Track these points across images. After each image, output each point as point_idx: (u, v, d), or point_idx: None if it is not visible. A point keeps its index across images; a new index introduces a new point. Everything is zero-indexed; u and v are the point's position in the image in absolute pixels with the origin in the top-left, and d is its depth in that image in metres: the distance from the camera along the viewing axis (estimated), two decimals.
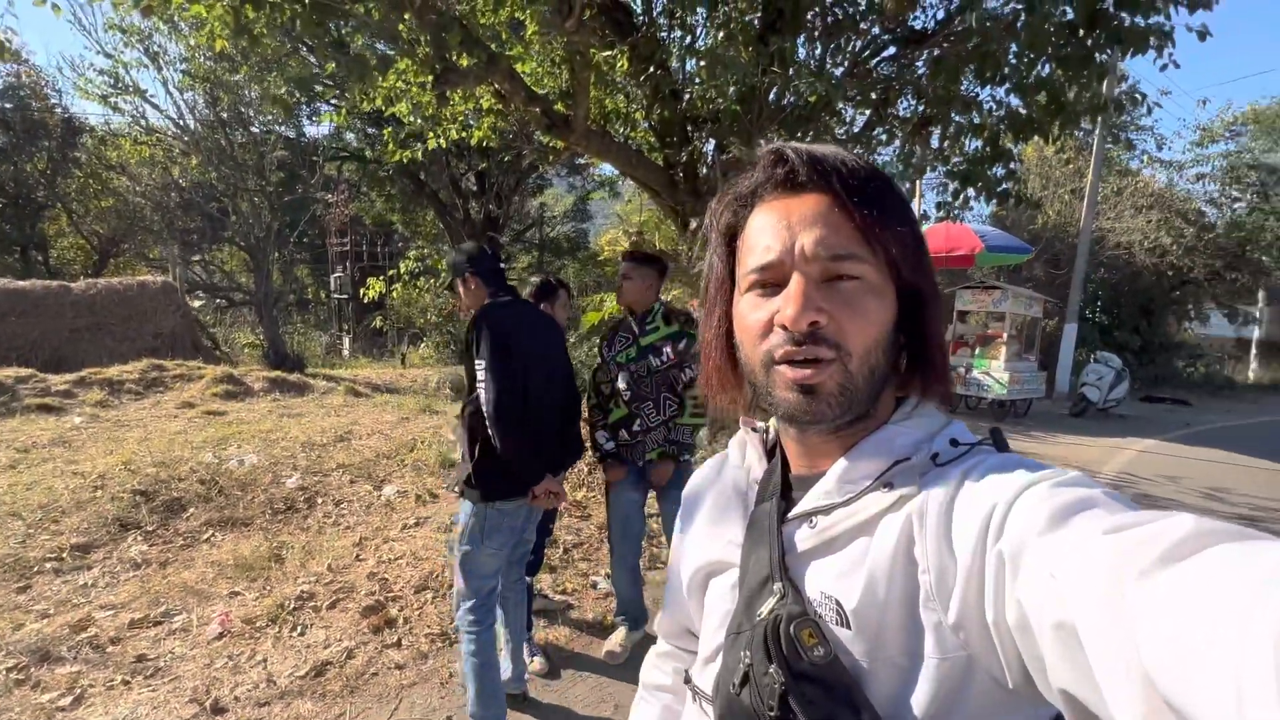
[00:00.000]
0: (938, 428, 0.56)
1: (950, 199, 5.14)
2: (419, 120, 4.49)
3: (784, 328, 0.53)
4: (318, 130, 13.77)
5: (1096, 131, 10.51)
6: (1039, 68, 3.65)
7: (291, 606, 3.07)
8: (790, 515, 0.58)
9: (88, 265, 15.58)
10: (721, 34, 4.11)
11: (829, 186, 0.54)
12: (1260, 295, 18.41)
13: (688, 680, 0.66)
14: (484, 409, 2.06)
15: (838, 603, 0.51)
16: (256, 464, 4.98)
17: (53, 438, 5.47)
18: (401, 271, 15.22)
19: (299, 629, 2.91)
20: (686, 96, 4.52)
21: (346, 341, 18.28)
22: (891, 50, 4.48)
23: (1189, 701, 0.30)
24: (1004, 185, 4.43)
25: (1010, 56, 3.40)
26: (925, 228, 8.65)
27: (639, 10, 4.65)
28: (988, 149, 4.31)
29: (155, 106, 10.90)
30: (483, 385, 2.06)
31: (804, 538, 0.56)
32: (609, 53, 4.04)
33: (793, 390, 0.53)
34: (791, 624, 0.50)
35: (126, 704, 2.37)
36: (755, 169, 0.59)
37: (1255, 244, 15.37)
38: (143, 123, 11.30)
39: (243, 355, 12.71)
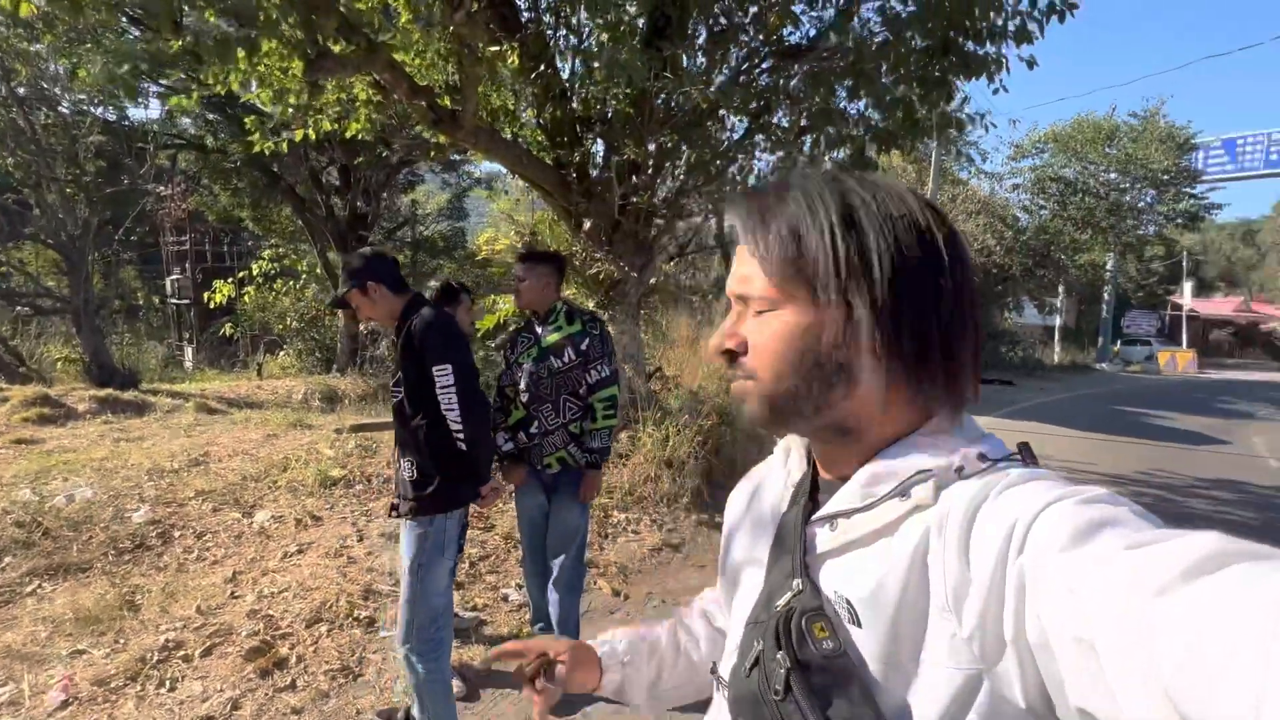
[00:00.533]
0: (967, 442, 0.55)
1: None
2: (285, 109, 4.10)
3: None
4: (143, 113, 12.10)
5: (935, 146, 11.80)
6: (899, 88, 4.03)
7: (155, 659, 2.69)
8: (814, 517, 0.60)
9: None
10: (607, 36, 4.13)
11: (742, 239, 0.61)
12: (1060, 288, 21.61)
13: (713, 670, 0.69)
14: (451, 413, 1.99)
15: (849, 602, 0.53)
16: (91, 498, 4.31)
17: None
18: (255, 273, 13.86)
19: (168, 684, 2.55)
20: (576, 98, 4.50)
21: (188, 352, 16.34)
22: (769, 63, 4.74)
23: (1207, 717, 0.30)
24: None
25: (879, 75, 3.72)
26: None
27: (525, 7, 4.55)
28: (854, 158, 4.69)
29: None
30: (448, 389, 1.98)
31: (824, 539, 0.58)
32: (497, 49, 3.92)
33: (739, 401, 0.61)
34: (804, 617, 0.53)
35: None
36: None
37: (1056, 245, 18.08)
38: None
39: (58, 372, 10.92)
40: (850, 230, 0.55)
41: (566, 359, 2.53)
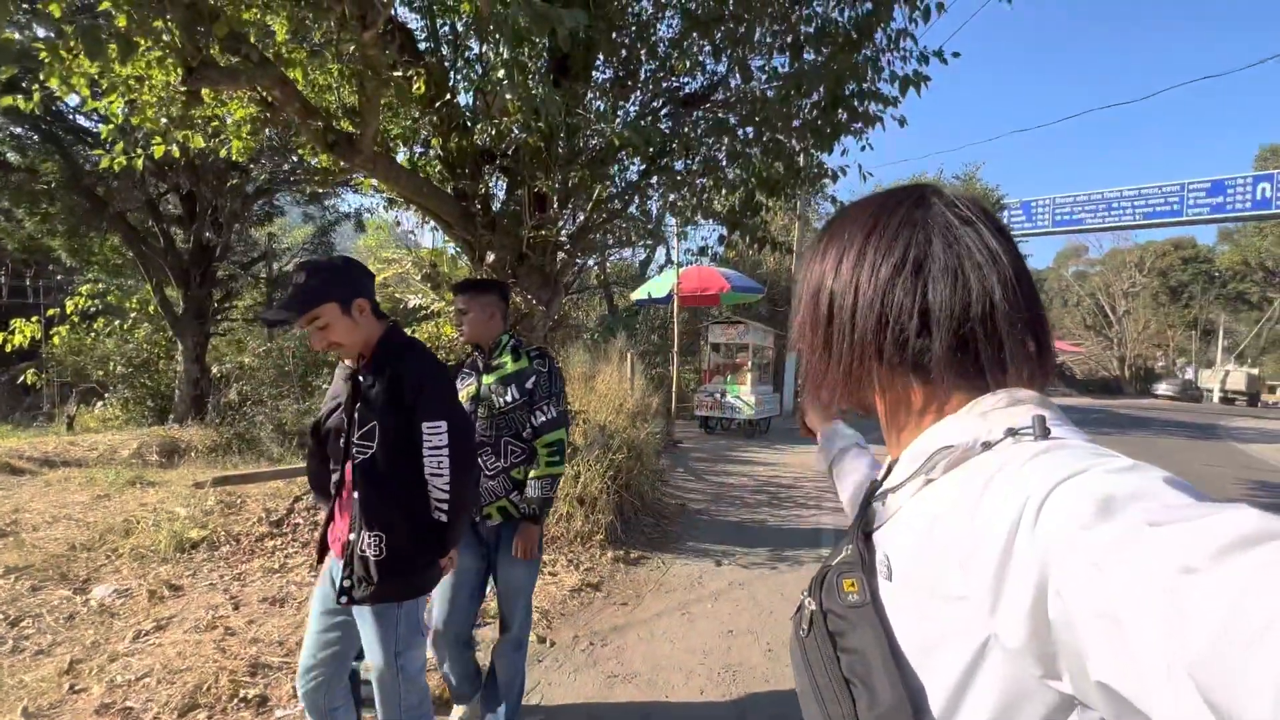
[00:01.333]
0: (1010, 418, 0.56)
1: (718, 243, 5.85)
2: (145, 120, 3.63)
3: None
4: None
5: (808, 197, 12.97)
6: (789, 139, 4.39)
7: None
8: (873, 495, 0.67)
9: None
10: (502, 73, 4.13)
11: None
12: None
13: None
14: (439, 478, 1.71)
15: (888, 559, 0.58)
16: None
17: None
18: (70, 310, 11.96)
19: None
20: (479, 131, 4.43)
21: None
22: (667, 109, 4.97)
23: (1228, 699, 0.30)
24: (761, 232, 5.19)
25: (779, 123, 4.03)
26: (681, 270, 9.65)
27: (423, 37, 4.45)
28: (745, 203, 5.02)
29: None
30: (439, 450, 1.71)
31: (877, 513, 0.64)
32: (399, 74, 3.78)
33: None
34: (838, 573, 0.61)
35: None
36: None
37: None
38: None
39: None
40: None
41: (511, 398, 2.28)
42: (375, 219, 14.82)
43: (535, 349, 2.39)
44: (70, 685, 2.68)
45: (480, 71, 4.52)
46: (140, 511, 4.82)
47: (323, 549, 1.87)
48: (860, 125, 3.88)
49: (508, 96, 3.65)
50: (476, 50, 4.50)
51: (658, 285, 10.58)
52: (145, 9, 2.52)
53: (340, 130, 3.68)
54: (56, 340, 11.91)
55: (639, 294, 11.32)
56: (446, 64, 4.53)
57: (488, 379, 2.34)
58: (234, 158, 4.14)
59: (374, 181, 4.95)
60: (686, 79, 4.57)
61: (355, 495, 1.71)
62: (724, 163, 4.60)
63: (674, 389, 9.49)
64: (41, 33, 2.79)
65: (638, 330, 14.05)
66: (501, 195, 4.94)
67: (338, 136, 3.64)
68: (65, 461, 7.59)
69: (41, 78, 3.05)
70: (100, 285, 13.17)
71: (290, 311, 1.64)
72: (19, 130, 10.76)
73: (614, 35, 4.18)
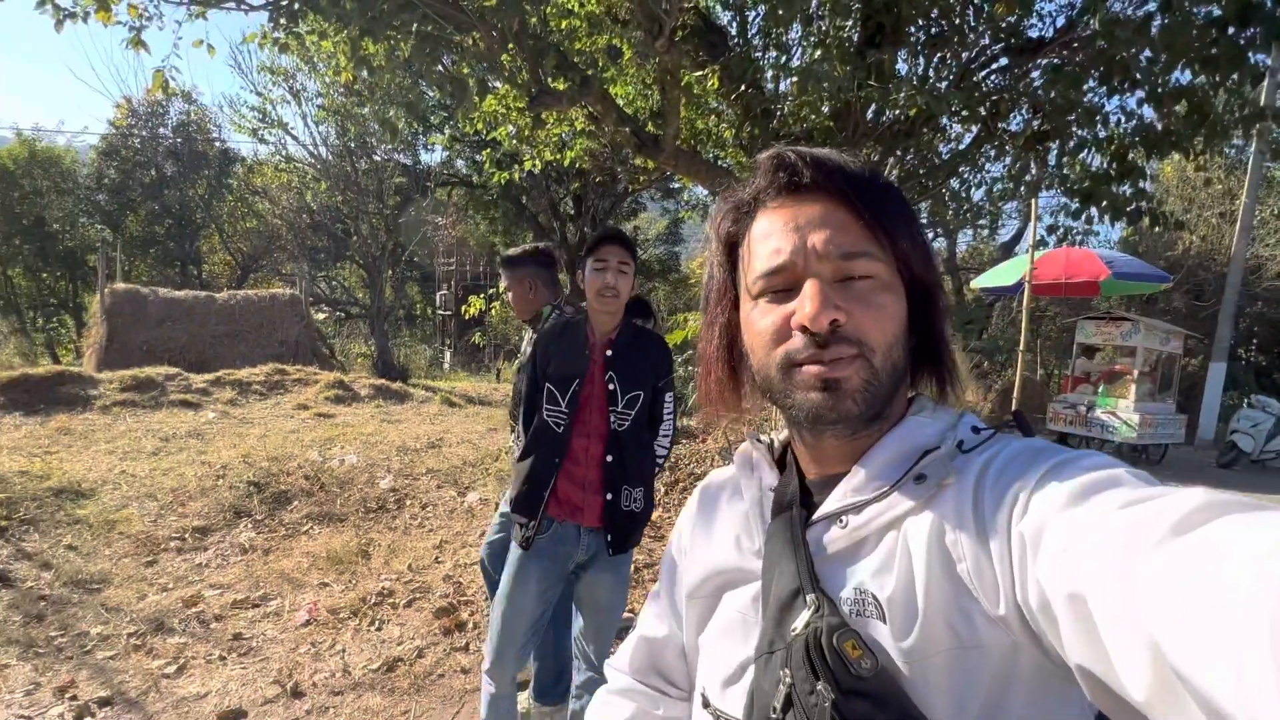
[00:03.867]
0: (955, 418, 0.57)
1: (1070, 219, 4.73)
2: (518, 143, 4.70)
3: (803, 329, 0.52)
4: (431, 158, 14.80)
5: (1252, 146, 9.35)
6: (1177, 73, 3.28)
7: (373, 601, 3.20)
8: (815, 517, 0.56)
9: (231, 279, 17.47)
10: (819, 51, 4.02)
11: (834, 188, 0.55)
12: None
13: (706, 704, 0.61)
14: (667, 437, 1.91)
15: (874, 597, 0.50)
16: (356, 464, 5.31)
17: (189, 430, 6.10)
18: (500, 290, 15.91)
19: (377, 624, 3.02)
20: (777, 114, 4.45)
21: (448, 355, 19.31)
22: (1003, 61, 4.20)
23: (1194, 671, 0.30)
24: (1133, 205, 4.01)
25: (1143, 61, 3.08)
26: (1042, 253, 7.97)
27: (734, 31, 4.65)
28: (1114, 165, 3.92)
29: (294, 138, 12.14)
30: (671, 413, 1.90)
31: (833, 539, 0.54)
32: (700, 73, 4.05)
33: (814, 389, 0.53)
34: (834, 635, 0.48)
35: (219, 679, 2.54)
36: (756, 175, 0.59)
37: None
38: (283, 152, 12.62)
39: (355, 364, 13.73)
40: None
41: None
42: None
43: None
44: (436, 557, 3.76)
45: (785, 58, 4.54)
46: (508, 444, 6.33)
47: (529, 514, 1.81)
48: None
49: (793, 79, 3.61)
50: (791, 35, 4.52)
51: (1007, 270, 8.92)
52: (494, 55, 3.25)
53: (646, 133, 4.14)
54: (494, 313, 16.02)
55: (981, 281, 9.74)
56: (756, 54, 4.67)
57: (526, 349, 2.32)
58: (578, 165, 5.02)
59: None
60: (1025, 22, 3.78)
61: (609, 459, 1.80)
62: (1072, 117, 3.70)
63: (1015, 393, 7.99)
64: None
65: (988, 324, 12.18)
66: None
67: (644, 138, 4.10)
68: (485, 402, 10.22)
69: (456, 119, 4.19)
70: None
71: (624, 241, 1.80)
72: (479, 157, 14.83)
73: None
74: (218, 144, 16.72)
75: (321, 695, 2.45)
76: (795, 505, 0.58)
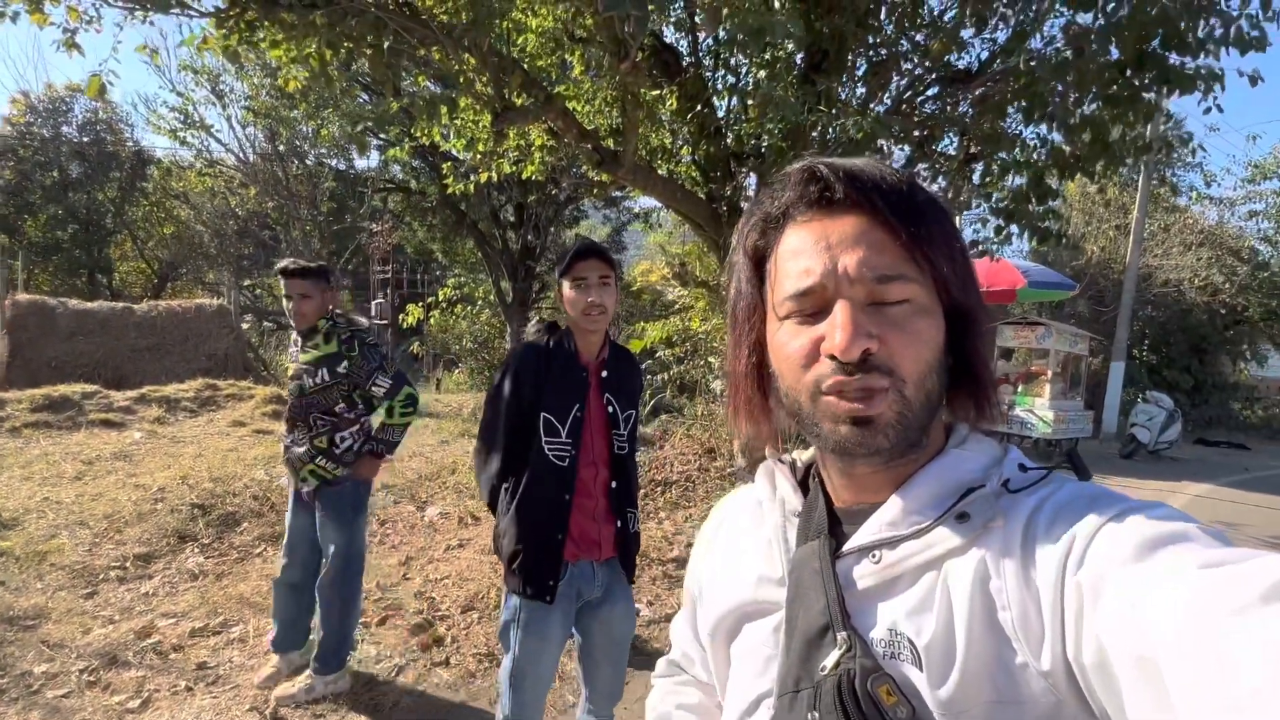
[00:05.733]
0: (1000, 453, 0.54)
1: (993, 235, 5.15)
2: (475, 155, 4.71)
3: (833, 357, 0.49)
4: (365, 163, 14.39)
5: (1141, 171, 10.38)
6: (1084, 106, 3.67)
7: None
8: (845, 549, 0.53)
9: (148, 288, 16.36)
10: (764, 74, 4.23)
11: (869, 204, 0.51)
12: None
13: None
14: (635, 455, 1.88)
15: (910, 641, 0.47)
16: None
17: (115, 451, 5.72)
18: (440, 299, 15.62)
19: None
20: (730, 134, 4.65)
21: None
22: (935, 90, 4.55)
23: None
24: (1046, 223, 4.43)
25: (1057, 95, 3.44)
26: None
27: (686, 52, 4.83)
28: (1031, 186, 4.32)
29: (219, 141, 11.55)
30: (636, 431, 1.90)
31: (864, 574, 0.51)
32: (657, 92, 4.20)
33: (844, 423, 0.50)
34: (868, 680, 0.45)
35: (191, 709, 2.45)
36: (785, 187, 0.55)
37: None
38: (206, 155, 11.98)
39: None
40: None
41: (320, 379, 2.45)
42: (658, 218, 16.22)
43: (347, 331, 2.46)
44: (403, 574, 3.71)
45: (735, 80, 4.75)
46: (462, 457, 6.25)
47: (549, 568, 1.66)
48: (1173, 88, 3.06)
49: (749, 101, 3.80)
50: (735, 59, 4.74)
51: None
52: (449, 68, 3.27)
53: (606, 148, 4.25)
54: (432, 321, 15.68)
55: None
56: (706, 75, 4.86)
57: (304, 357, 2.49)
58: (534, 177, 5.07)
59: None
60: (954, 56, 4.13)
61: (614, 484, 1.74)
62: (998, 144, 4.06)
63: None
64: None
65: None
66: (753, 195, 5.12)
67: (604, 154, 4.20)
68: (428, 413, 10.00)
69: (413, 130, 4.17)
70: (461, 279, 16.88)
71: (602, 254, 1.71)
72: (417, 164, 14.50)
73: (869, 21, 4.00)
74: (130, 145, 15.66)
75: (304, 718, 2.41)
76: (824, 534, 0.55)
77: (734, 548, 0.64)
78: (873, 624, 0.50)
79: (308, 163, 12.13)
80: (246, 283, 17.01)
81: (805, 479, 0.63)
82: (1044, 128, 4.08)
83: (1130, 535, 0.40)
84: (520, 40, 4.38)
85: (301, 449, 2.49)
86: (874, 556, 0.51)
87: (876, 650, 0.48)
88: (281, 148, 11.56)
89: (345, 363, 2.46)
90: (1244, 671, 0.31)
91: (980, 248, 5.65)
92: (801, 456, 0.65)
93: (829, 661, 0.48)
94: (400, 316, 14.63)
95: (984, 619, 0.45)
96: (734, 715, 0.57)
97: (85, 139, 15.30)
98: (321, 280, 2.49)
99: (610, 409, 1.75)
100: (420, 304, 14.68)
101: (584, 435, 1.70)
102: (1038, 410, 8.67)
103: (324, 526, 2.53)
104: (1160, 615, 0.35)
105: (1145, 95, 3.23)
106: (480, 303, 16.03)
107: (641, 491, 4.87)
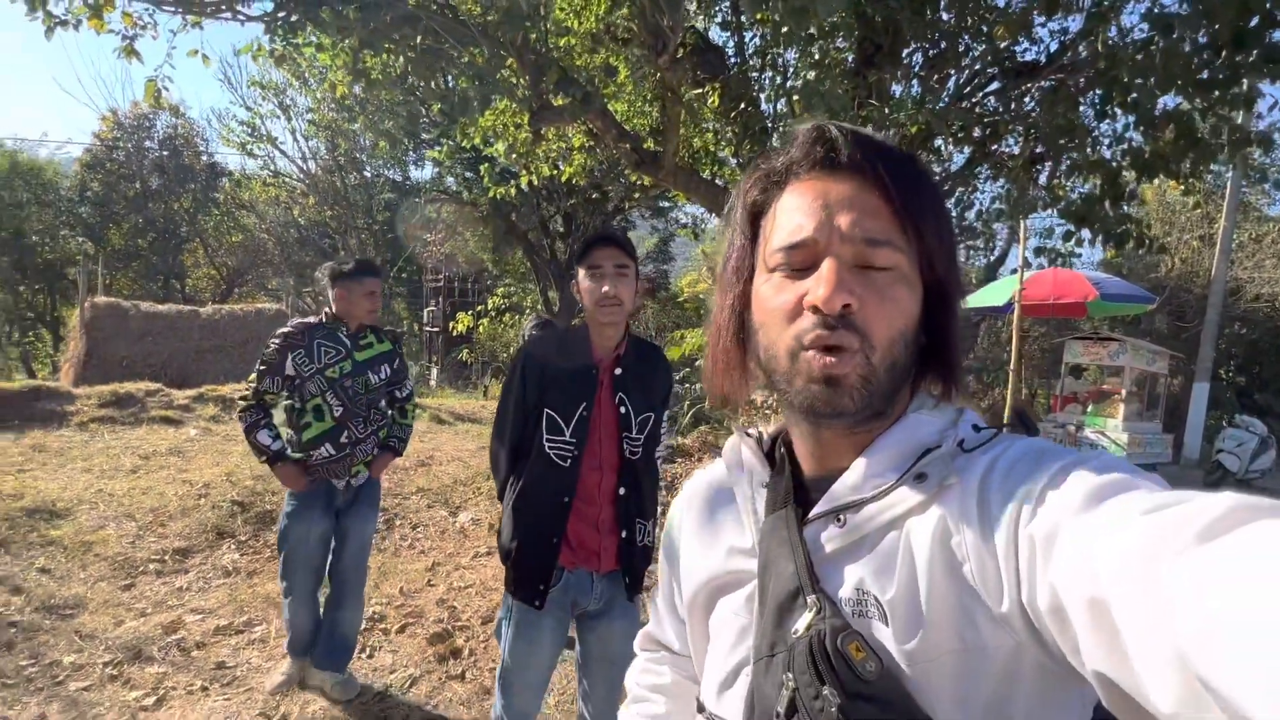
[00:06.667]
0: (955, 415, 0.56)
1: (1063, 241, 4.78)
2: (515, 158, 4.68)
3: (815, 309, 0.51)
4: (421, 174, 14.78)
5: (1230, 172, 9.59)
6: (1168, 96, 3.34)
7: (363, 627, 3.08)
8: (812, 515, 0.55)
9: (216, 293, 17.23)
10: (814, 73, 4.05)
11: (871, 169, 0.52)
12: None
13: (702, 710, 0.61)
14: (662, 454, 1.76)
15: (875, 598, 0.49)
16: None
17: (170, 447, 5.92)
18: (489, 307, 15.87)
19: (368, 650, 2.90)
20: (776, 134, 4.47)
21: (434, 372, 19.13)
22: (997, 85, 4.27)
23: (1226, 682, 0.28)
24: (1124, 227, 4.06)
25: (1138, 82, 3.13)
26: (1029, 274, 8.07)
27: (731, 51, 4.69)
28: (1105, 187, 3.97)
29: (283, 153, 12.09)
30: (666, 430, 1.79)
31: (831, 537, 0.53)
32: (699, 91, 4.07)
33: (816, 381, 0.51)
34: (838, 638, 0.47)
35: (202, 711, 2.41)
36: (792, 145, 0.57)
37: None
38: (272, 167, 12.55)
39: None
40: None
41: (382, 375, 2.58)
42: (704, 226, 16.10)
43: (392, 333, 2.65)
44: (428, 580, 3.64)
45: (781, 79, 4.57)
46: None
47: (541, 573, 1.58)
48: (1277, 70, 2.71)
49: (793, 99, 3.62)
50: (782, 58, 4.56)
51: (996, 291, 9.01)
52: (494, 70, 3.23)
53: (646, 149, 4.14)
54: (482, 329, 15.95)
55: (973, 300, 9.85)
56: (752, 74, 4.70)
57: (361, 355, 2.54)
58: (575, 180, 5.00)
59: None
60: (1021, 46, 3.85)
61: (621, 491, 1.62)
62: (1071, 138, 3.75)
63: (1006, 413, 8.05)
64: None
65: (974, 344, 12.27)
66: None
67: (643, 155, 4.09)
68: (473, 419, 10.09)
69: (452, 133, 4.16)
70: (511, 288, 17.14)
71: (620, 242, 1.63)
72: (469, 175, 14.83)
73: (927, 8, 3.77)
74: (205, 158, 16.59)
75: None
76: (790, 502, 0.56)
77: (705, 522, 0.66)
78: (840, 585, 0.51)
79: (365, 174, 12.54)
80: (306, 289, 17.73)
81: (772, 451, 0.64)
82: (1119, 124, 3.75)
83: (1078, 486, 0.42)
84: (562, 42, 4.33)
85: (369, 443, 2.56)
86: (839, 520, 0.53)
87: (845, 610, 0.50)
88: (341, 159, 11.99)
89: (397, 360, 2.64)
90: (1184, 610, 0.31)
91: (1041, 258, 5.27)
92: (768, 430, 0.66)
93: (800, 624, 0.49)
94: (450, 324, 14.94)
95: (945, 573, 0.47)
96: (713, 687, 0.59)
97: (165, 153, 16.28)
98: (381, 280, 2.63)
99: (623, 409, 1.61)
100: (470, 312, 14.96)
101: (590, 436, 1.59)
102: (1110, 432, 8.06)
103: (364, 520, 2.61)
104: (1108, 561, 0.36)
105: (1244, 81, 2.89)
106: (528, 311, 16.21)
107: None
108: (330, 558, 2.59)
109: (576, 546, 1.60)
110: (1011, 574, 0.44)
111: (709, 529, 0.65)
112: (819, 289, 0.50)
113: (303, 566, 2.51)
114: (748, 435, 0.66)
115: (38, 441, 5.63)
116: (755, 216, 0.59)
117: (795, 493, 0.58)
